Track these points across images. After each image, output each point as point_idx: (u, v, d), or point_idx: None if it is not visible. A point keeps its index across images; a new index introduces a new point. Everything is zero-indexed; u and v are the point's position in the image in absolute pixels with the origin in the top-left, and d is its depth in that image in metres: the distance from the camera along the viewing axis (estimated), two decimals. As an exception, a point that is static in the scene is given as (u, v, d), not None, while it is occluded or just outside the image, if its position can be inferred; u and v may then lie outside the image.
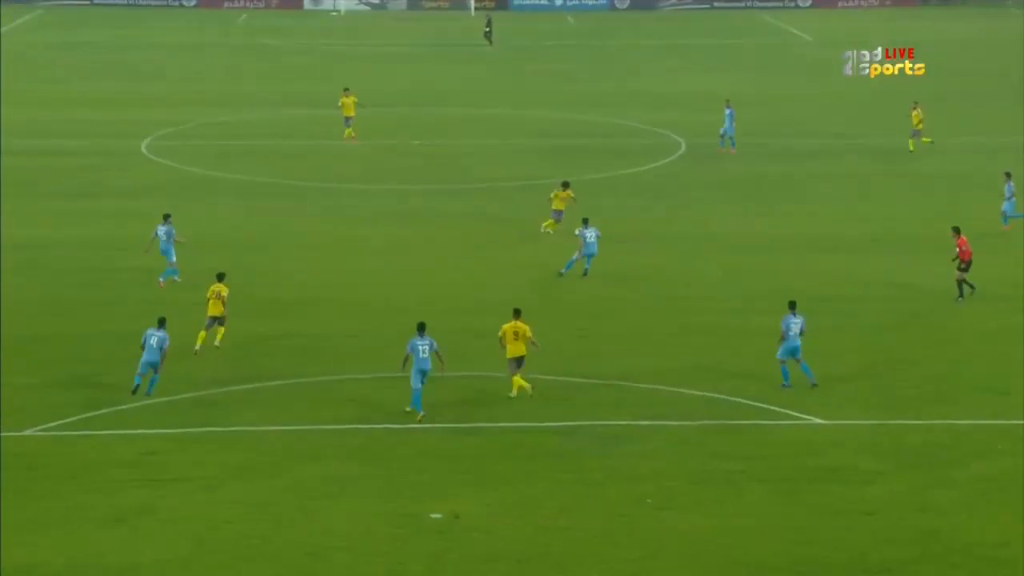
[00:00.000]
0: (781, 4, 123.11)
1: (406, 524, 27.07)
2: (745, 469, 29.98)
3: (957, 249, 41.61)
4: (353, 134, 65.78)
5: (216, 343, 36.68)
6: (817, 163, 63.08)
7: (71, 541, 26.27)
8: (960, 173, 61.05)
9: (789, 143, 66.69)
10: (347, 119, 65.80)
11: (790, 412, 33.29)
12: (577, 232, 44.28)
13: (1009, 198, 50.23)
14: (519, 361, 33.46)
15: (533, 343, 33.52)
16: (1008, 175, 51.03)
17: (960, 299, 41.64)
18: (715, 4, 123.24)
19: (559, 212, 48.95)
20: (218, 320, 36.74)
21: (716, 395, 34.37)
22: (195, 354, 36.04)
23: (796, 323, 34.24)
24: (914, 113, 63.75)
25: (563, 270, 44.33)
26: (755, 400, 33.92)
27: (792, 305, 34.79)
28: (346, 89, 66.91)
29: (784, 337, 34.43)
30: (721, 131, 64.67)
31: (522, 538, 26.61)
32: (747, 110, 69.16)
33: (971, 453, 30.82)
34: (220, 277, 37.21)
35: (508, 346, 33.41)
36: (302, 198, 56.10)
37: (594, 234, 44.10)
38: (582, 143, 67.70)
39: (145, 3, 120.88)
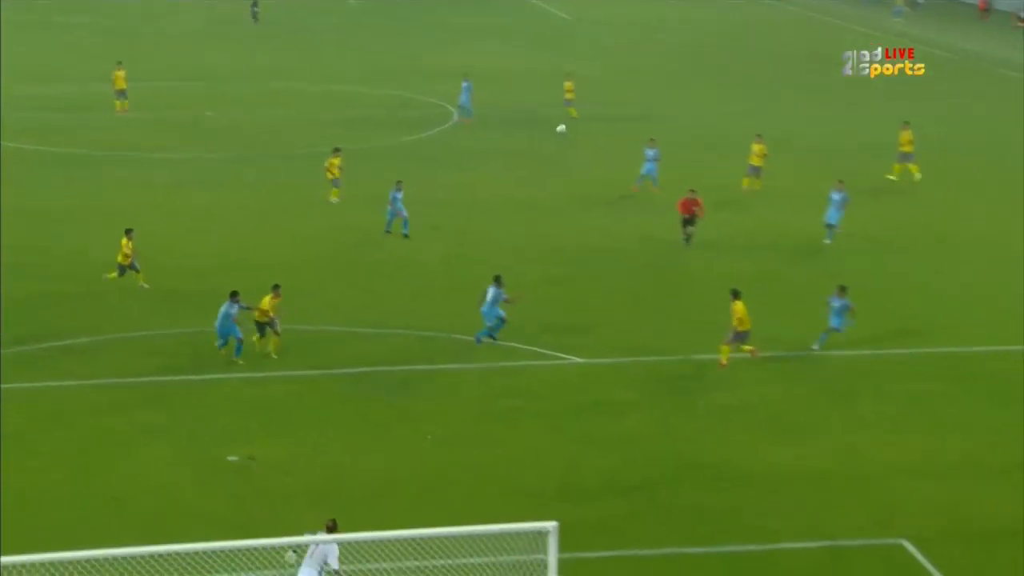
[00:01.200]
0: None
1: (207, 468, 27.02)
2: (519, 407, 30.57)
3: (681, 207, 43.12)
4: (125, 106, 64.68)
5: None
6: (575, 133, 63.86)
7: None
8: (692, 139, 62.46)
9: (549, 113, 67.01)
10: (120, 92, 64.71)
11: (556, 353, 34.01)
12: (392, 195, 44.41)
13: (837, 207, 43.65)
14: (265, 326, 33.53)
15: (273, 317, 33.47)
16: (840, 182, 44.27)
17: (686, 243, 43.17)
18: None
19: (336, 179, 48.89)
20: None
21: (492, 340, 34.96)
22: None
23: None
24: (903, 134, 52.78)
25: (387, 230, 44.48)
26: (527, 344, 34.58)
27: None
28: (119, 63, 65.73)
29: None
30: (459, 102, 64.80)
31: (315, 478, 26.76)
32: (518, 83, 69.69)
33: (712, 384, 32.01)
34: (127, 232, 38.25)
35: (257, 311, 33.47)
36: (101, 167, 54.79)
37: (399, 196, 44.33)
38: (363, 114, 67.35)
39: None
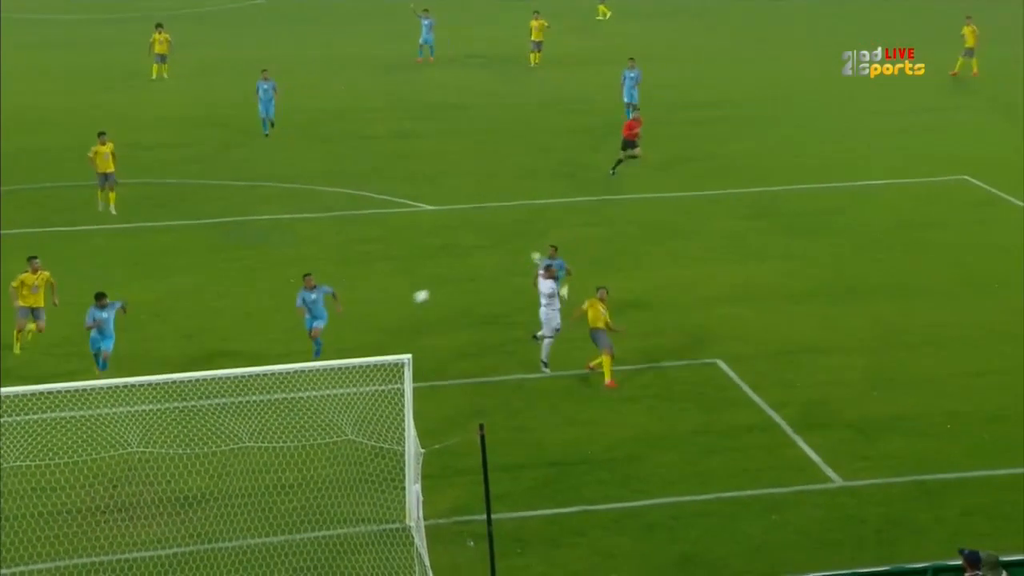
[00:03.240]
0: None
1: (83, 313, 25.83)
2: (374, 250, 29.91)
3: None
4: None
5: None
6: None
7: None
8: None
9: None
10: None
11: (407, 201, 33.28)
12: None
13: None
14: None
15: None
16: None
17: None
18: None
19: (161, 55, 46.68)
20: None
21: (348, 190, 34.06)
22: None
23: None
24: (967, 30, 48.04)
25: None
26: (380, 193, 33.79)
27: None
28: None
29: None
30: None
31: (189, 318, 25.75)
32: None
33: (550, 224, 31.60)
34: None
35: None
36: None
37: None
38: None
39: None
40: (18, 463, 17.80)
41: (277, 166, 35.91)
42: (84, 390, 18.66)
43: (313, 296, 23.51)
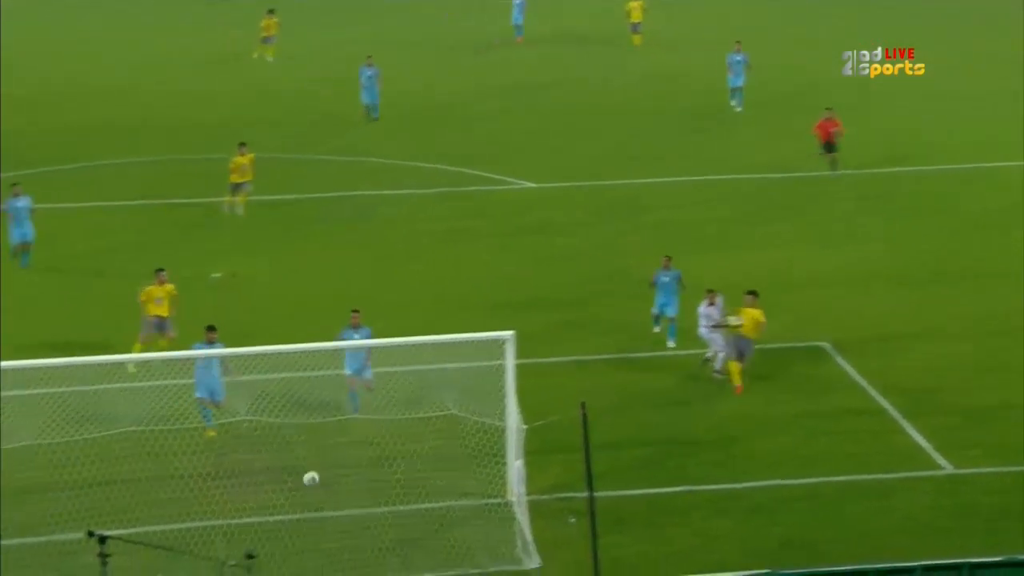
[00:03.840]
0: None
1: (193, 283, 26.12)
2: (475, 227, 29.87)
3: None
4: None
5: None
6: None
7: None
8: None
9: None
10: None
11: (508, 179, 33.21)
12: None
13: None
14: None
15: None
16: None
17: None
18: None
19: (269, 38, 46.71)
20: None
21: (447, 167, 34.10)
22: None
23: None
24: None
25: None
26: (480, 171, 33.76)
27: None
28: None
29: None
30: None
31: (293, 290, 25.89)
32: None
33: (653, 206, 31.28)
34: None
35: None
36: None
37: None
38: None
39: None
40: (131, 428, 18.06)
41: (378, 145, 36.07)
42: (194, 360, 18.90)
43: (357, 336, 20.35)
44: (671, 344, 23.02)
